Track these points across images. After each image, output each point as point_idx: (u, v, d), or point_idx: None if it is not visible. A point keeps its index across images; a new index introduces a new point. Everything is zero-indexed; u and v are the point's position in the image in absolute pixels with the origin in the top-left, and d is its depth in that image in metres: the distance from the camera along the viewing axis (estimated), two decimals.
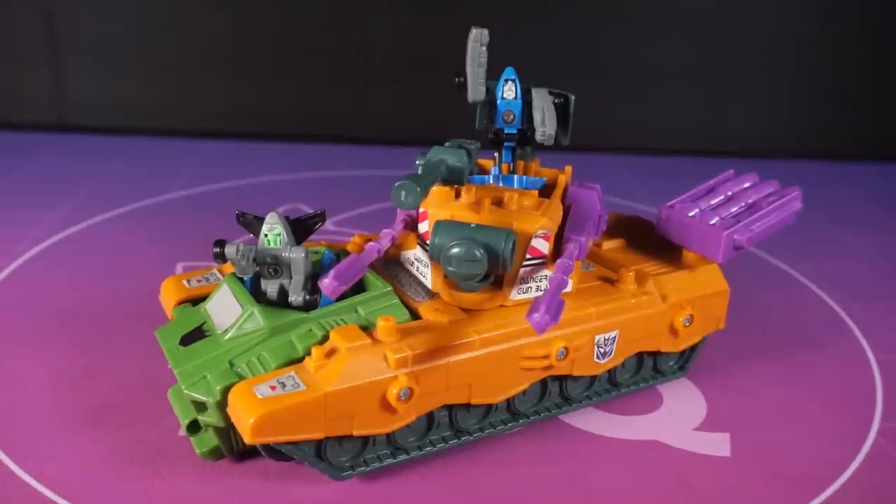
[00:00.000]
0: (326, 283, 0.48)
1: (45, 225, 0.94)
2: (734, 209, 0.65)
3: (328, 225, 0.97)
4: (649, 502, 0.52)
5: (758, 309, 0.80)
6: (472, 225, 0.51)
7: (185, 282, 0.62)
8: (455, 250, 0.50)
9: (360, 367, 0.48)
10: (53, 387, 0.61)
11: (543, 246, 0.54)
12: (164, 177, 1.15)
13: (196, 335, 0.55)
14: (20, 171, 1.15)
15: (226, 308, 0.55)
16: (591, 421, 0.60)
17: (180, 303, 0.60)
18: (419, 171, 0.54)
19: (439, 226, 0.52)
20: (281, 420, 0.46)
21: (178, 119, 1.39)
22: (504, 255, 0.50)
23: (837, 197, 1.23)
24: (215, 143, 1.35)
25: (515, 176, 0.60)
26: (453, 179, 0.56)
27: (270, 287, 0.54)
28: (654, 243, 0.66)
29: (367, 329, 0.51)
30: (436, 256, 0.52)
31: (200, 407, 0.50)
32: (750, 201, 0.66)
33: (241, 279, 0.55)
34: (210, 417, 0.49)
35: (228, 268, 0.60)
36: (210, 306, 0.57)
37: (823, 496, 0.53)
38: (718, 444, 0.58)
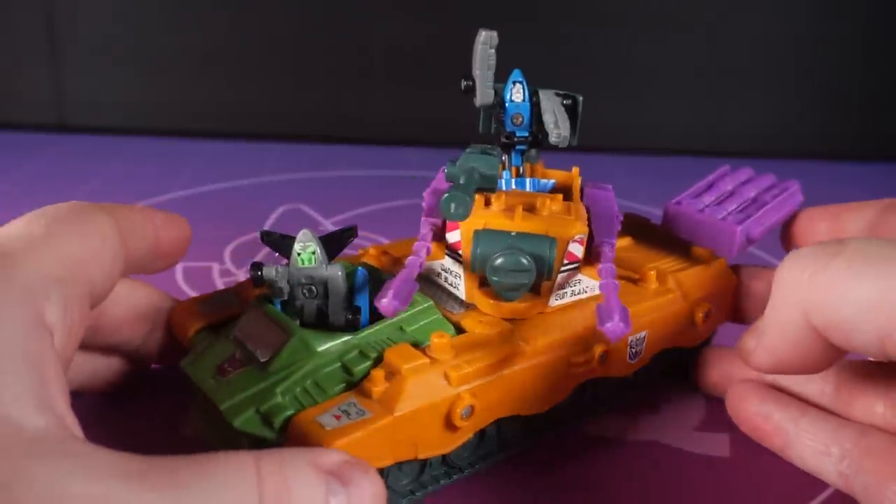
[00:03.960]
0: (385, 302, 0.46)
1: None
2: (740, 204, 0.65)
3: (328, 225, 0.97)
4: (649, 502, 0.52)
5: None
6: (513, 233, 0.50)
7: (198, 307, 0.57)
8: (500, 260, 0.49)
9: (423, 388, 0.46)
10: None
11: (578, 250, 0.53)
12: (164, 177, 1.15)
13: (232, 365, 0.50)
14: (20, 171, 1.15)
15: (261, 333, 0.50)
16: (591, 421, 0.60)
17: (198, 331, 0.55)
18: (445, 178, 0.52)
19: (479, 235, 0.50)
20: (352, 451, 0.41)
21: (178, 119, 1.39)
22: (549, 262, 0.50)
23: (837, 197, 1.21)
24: (215, 143, 1.35)
25: (528, 179, 0.60)
26: (485, 187, 0.53)
27: (307, 308, 0.50)
28: (656, 240, 0.66)
29: (417, 347, 0.49)
30: (478, 267, 0.50)
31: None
32: (752, 195, 0.66)
33: (271, 302, 0.52)
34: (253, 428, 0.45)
35: (247, 289, 0.57)
36: (241, 333, 0.52)
37: (823, 496, 0.53)
38: (718, 444, 0.58)
